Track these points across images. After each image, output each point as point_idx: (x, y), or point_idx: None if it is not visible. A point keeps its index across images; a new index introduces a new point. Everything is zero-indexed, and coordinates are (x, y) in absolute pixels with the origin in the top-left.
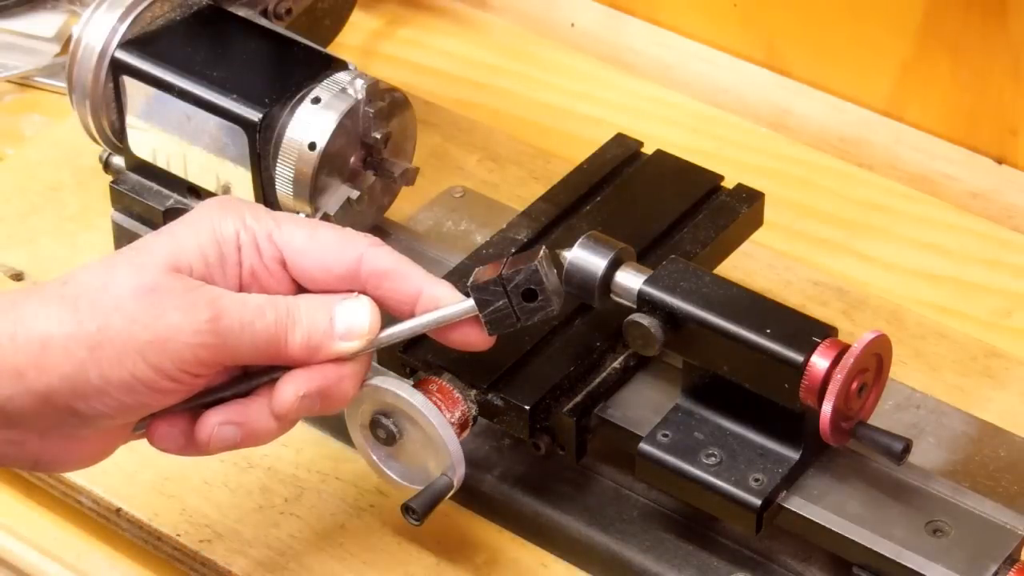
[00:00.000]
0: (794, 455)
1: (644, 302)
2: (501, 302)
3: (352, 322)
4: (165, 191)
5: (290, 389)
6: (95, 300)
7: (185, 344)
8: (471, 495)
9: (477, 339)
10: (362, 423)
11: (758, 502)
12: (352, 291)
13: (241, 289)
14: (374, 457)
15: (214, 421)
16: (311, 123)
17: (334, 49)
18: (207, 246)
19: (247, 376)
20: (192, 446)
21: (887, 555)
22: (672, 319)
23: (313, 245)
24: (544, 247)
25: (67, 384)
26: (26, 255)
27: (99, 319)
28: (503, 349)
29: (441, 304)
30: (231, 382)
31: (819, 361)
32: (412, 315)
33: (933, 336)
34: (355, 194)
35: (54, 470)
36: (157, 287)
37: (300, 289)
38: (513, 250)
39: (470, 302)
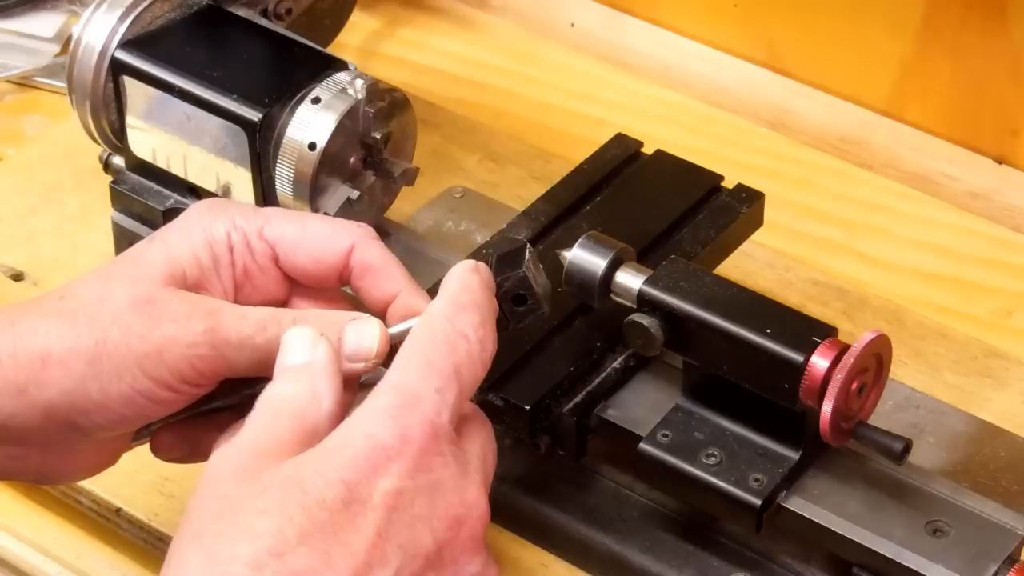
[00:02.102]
0: (794, 455)
1: (644, 302)
2: None
3: (360, 343)
4: (165, 191)
5: None
6: (93, 314)
7: (181, 355)
8: None
9: None
10: None
11: (758, 502)
12: (343, 283)
13: (236, 289)
14: None
15: None
16: (311, 123)
17: (334, 49)
18: (200, 249)
19: (241, 382)
20: (197, 454)
21: (887, 555)
22: (672, 319)
23: (305, 237)
24: (529, 245)
25: (67, 399)
26: (26, 255)
27: (97, 333)
28: (503, 349)
29: (413, 312)
30: (226, 389)
31: (819, 361)
32: (383, 315)
33: (933, 336)
34: (355, 194)
35: (57, 482)
36: (153, 299)
37: (292, 284)
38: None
39: None
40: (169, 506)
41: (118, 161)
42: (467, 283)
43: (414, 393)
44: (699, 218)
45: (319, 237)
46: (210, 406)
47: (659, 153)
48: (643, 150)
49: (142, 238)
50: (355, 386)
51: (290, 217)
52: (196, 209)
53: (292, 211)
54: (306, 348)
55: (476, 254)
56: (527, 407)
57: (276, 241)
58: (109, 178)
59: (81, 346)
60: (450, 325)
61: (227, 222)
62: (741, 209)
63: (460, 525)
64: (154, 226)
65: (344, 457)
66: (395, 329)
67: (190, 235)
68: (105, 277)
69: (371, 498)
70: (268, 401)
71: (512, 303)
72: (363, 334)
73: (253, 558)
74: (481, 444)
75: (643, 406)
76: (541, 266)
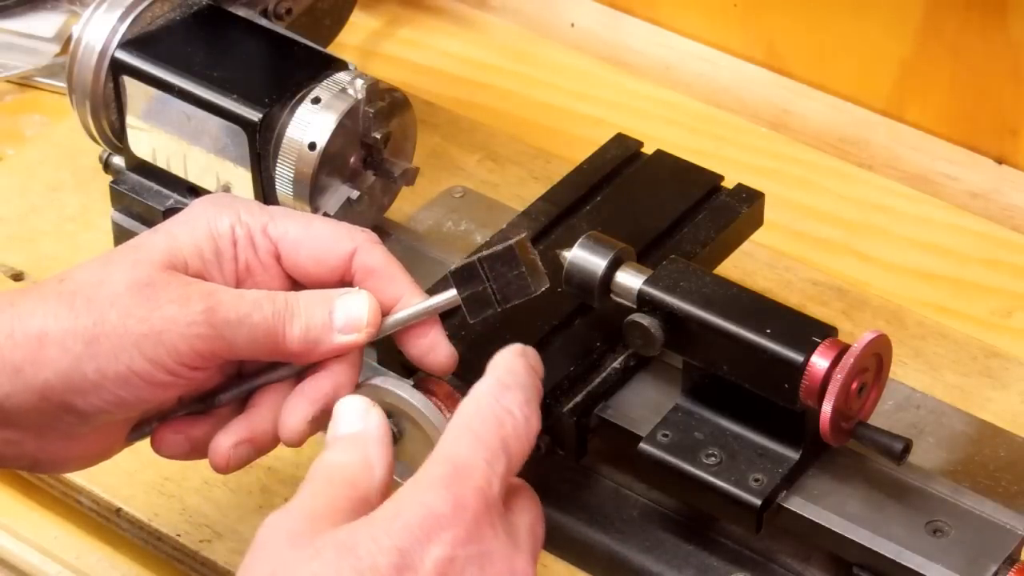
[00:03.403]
0: (794, 455)
1: (644, 302)
2: (480, 287)
3: (351, 315)
4: (165, 191)
5: (296, 417)
6: (91, 296)
7: (180, 336)
8: None
9: (442, 352)
10: None
11: (758, 502)
12: (348, 286)
13: (237, 283)
14: None
15: (227, 444)
16: (311, 123)
17: (334, 49)
18: (203, 242)
19: (241, 377)
20: (197, 451)
21: (887, 555)
22: (672, 319)
23: (308, 237)
24: (524, 231)
25: (63, 380)
26: (26, 255)
27: (95, 314)
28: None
29: None
30: (226, 384)
31: (819, 361)
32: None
33: (933, 336)
34: (355, 194)
35: (52, 471)
36: (153, 282)
37: (294, 284)
38: None
39: (454, 292)
40: (169, 506)
41: (118, 161)
42: (512, 365)
43: (465, 464)
44: (699, 218)
45: (322, 238)
46: (210, 401)
47: (659, 153)
48: (643, 150)
49: None
50: (358, 361)
51: (295, 217)
52: (201, 203)
53: (297, 212)
54: (358, 417)
55: (475, 253)
56: None
57: (279, 239)
58: (109, 178)
59: (79, 327)
60: (496, 402)
61: (232, 217)
62: (741, 209)
63: None
64: (154, 226)
65: (397, 524)
66: (395, 317)
67: (194, 227)
68: (105, 262)
69: (423, 565)
70: (321, 469)
71: (500, 279)
72: (352, 305)
73: None
74: (530, 518)
75: (643, 406)
76: (536, 252)
